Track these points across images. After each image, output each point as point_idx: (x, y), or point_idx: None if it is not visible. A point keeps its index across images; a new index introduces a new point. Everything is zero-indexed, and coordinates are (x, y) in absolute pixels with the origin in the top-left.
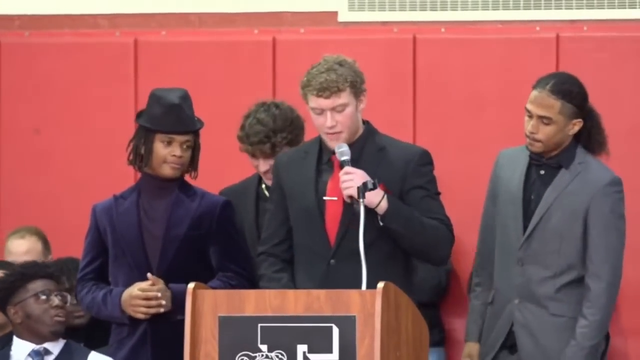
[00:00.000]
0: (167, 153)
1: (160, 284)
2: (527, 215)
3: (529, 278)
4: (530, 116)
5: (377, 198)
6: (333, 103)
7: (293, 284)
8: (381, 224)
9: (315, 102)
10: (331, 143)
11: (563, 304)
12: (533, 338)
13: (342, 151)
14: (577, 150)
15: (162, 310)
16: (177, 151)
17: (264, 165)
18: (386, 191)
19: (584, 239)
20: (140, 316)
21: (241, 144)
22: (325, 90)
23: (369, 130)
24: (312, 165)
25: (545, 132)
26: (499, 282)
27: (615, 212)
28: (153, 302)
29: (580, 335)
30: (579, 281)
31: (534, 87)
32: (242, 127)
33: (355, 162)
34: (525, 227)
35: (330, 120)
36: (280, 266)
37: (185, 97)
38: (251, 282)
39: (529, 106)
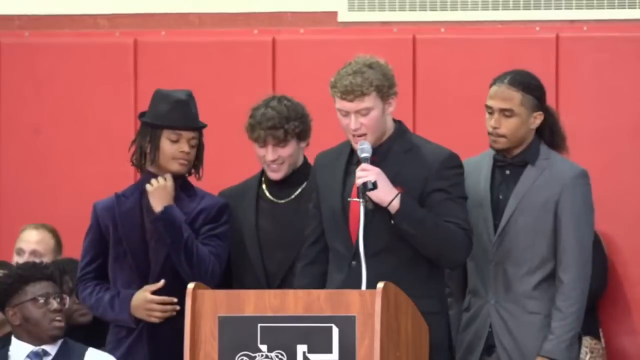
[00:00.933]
0: (175, 149)
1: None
2: (496, 215)
3: (504, 277)
4: (491, 112)
5: (389, 197)
6: (357, 106)
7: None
8: (392, 222)
9: (340, 104)
10: (356, 145)
11: (539, 301)
12: (511, 337)
13: (363, 148)
14: (541, 147)
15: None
16: (185, 147)
17: (272, 154)
18: (400, 191)
19: (555, 232)
20: (155, 320)
21: (251, 132)
22: (349, 94)
23: (400, 130)
24: (341, 166)
25: (508, 126)
26: (474, 285)
27: (585, 203)
28: (168, 307)
29: (558, 329)
30: (553, 277)
31: (492, 85)
32: (252, 116)
33: (381, 162)
34: (495, 227)
35: (354, 123)
36: (310, 265)
37: (191, 96)
38: (215, 266)
39: (489, 102)
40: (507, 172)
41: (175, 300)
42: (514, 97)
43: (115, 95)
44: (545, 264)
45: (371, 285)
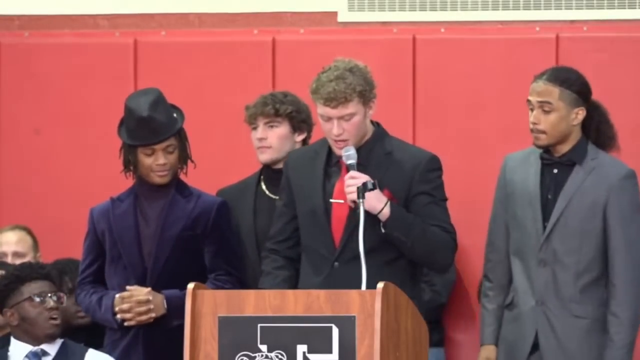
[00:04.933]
0: (151, 162)
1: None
2: (545, 215)
3: (551, 279)
4: (532, 108)
5: (379, 204)
6: (340, 113)
7: (290, 283)
8: (383, 230)
9: (322, 110)
10: (337, 150)
11: (586, 305)
12: (556, 341)
13: (349, 155)
14: (589, 147)
15: (152, 315)
16: (161, 159)
17: (261, 132)
18: (391, 198)
19: (604, 235)
20: (130, 323)
21: (246, 113)
22: (333, 101)
23: (379, 133)
24: (320, 167)
25: (547, 122)
26: (520, 285)
27: (633, 204)
28: (142, 309)
29: (616, 335)
30: (600, 280)
31: (533, 81)
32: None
33: (362, 165)
34: (544, 228)
35: (336, 129)
36: (281, 263)
37: (156, 103)
38: (241, 283)
39: (530, 97)
40: (555, 170)
41: (150, 298)
42: (552, 92)
43: (115, 95)
44: (592, 268)
45: (354, 284)
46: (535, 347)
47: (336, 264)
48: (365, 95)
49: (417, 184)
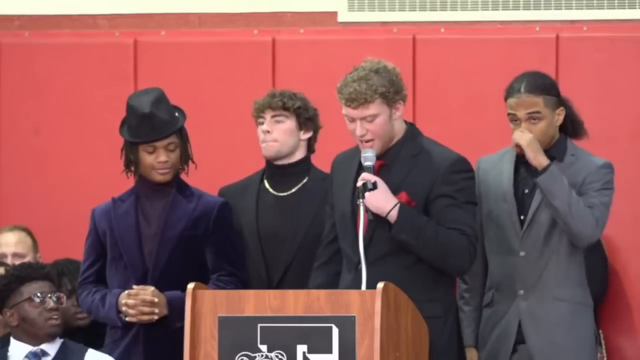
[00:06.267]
0: (152, 160)
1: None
2: (522, 209)
3: (533, 268)
4: (515, 120)
5: (387, 206)
6: (361, 113)
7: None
8: (391, 232)
9: (345, 110)
10: (364, 150)
11: (567, 289)
12: (541, 327)
13: (366, 157)
14: (567, 143)
15: (155, 317)
16: (162, 157)
17: (268, 125)
18: (408, 201)
19: None
20: (132, 319)
21: (254, 110)
22: (353, 102)
23: (410, 134)
24: (353, 169)
25: (538, 131)
26: (499, 280)
27: (605, 184)
28: (146, 309)
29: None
30: (580, 263)
31: (508, 97)
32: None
33: (387, 166)
34: (522, 221)
35: (359, 130)
36: (324, 278)
37: (158, 100)
38: (244, 283)
39: (513, 111)
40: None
41: (156, 300)
42: (538, 102)
43: (115, 95)
44: (573, 253)
45: (372, 287)
46: (517, 343)
47: (359, 265)
48: (389, 96)
49: (438, 185)
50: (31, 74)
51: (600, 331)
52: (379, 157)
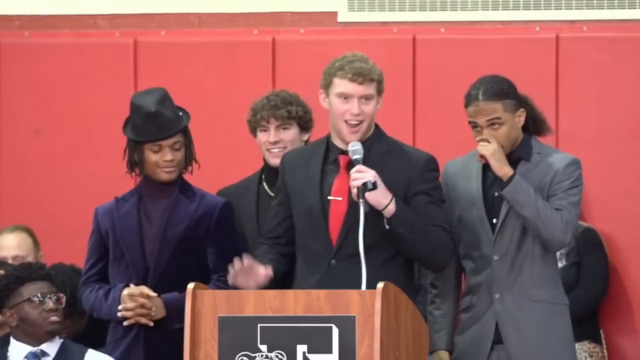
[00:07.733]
0: (158, 159)
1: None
2: (492, 212)
3: (508, 270)
4: (477, 126)
5: (385, 200)
6: (364, 91)
7: (278, 267)
8: (387, 227)
9: (345, 86)
10: (349, 136)
11: (542, 290)
12: (518, 328)
13: (355, 150)
14: (532, 142)
15: (151, 323)
16: (168, 155)
17: (274, 136)
18: (393, 195)
19: None
20: (130, 321)
21: (253, 116)
22: (360, 76)
23: (378, 132)
24: (317, 165)
25: (500, 136)
26: (476, 284)
27: (573, 182)
28: (144, 311)
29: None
30: (553, 261)
31: (468, 105)
32: (254, 105)
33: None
34: (493, 224)
35: (357, 107)
36: (275, 256)
37: (163, 99)
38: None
39: (473, 119)
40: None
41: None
42: (497, 108)
43: (115, 95)
44: (547, 253)
45: (350, 282)
46: (494, 343)
47: (333, 261)
48: (380, 86)
49: (415, 183)
50: (31, 74)
51: (601, 330)
52: (344, 154)
